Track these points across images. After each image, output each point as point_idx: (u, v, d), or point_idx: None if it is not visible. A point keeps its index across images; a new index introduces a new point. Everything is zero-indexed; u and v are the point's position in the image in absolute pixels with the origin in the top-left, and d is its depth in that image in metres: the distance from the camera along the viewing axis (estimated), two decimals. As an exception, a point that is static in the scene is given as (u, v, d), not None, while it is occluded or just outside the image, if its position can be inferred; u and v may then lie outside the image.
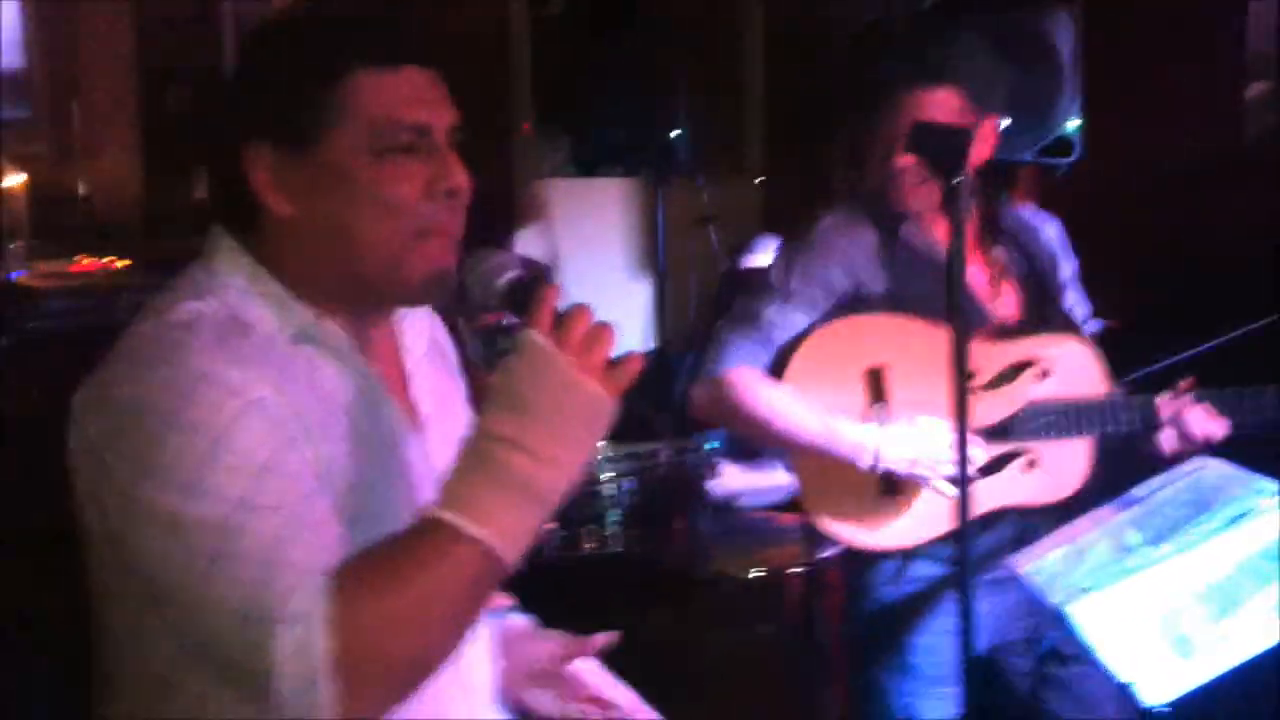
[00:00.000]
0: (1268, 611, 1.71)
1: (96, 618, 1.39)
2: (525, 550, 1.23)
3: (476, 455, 1.23)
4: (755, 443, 2.70)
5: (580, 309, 1.26)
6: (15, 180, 4.21)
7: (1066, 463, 2.44)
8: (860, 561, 2.55)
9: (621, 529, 3.16)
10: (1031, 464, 2.44)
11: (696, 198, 4.52)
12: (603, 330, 1.25)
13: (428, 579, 1.19)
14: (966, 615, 1.76)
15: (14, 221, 4.05)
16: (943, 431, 2.31)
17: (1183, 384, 2.42)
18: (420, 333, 1.52)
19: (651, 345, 4.47)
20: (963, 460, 1.77)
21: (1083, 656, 1.85)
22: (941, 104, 2.40)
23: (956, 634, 2.35)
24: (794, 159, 4.72)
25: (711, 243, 4.29)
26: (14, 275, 3.98)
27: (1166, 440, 2.40)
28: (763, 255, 4.19)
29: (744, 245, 4.27)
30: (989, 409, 2.40)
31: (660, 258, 4.33)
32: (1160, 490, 2.18)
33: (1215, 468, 2.15)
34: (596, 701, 1.66)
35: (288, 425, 1.26)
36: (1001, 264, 2.54)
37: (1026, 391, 2.43)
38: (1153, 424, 2.39)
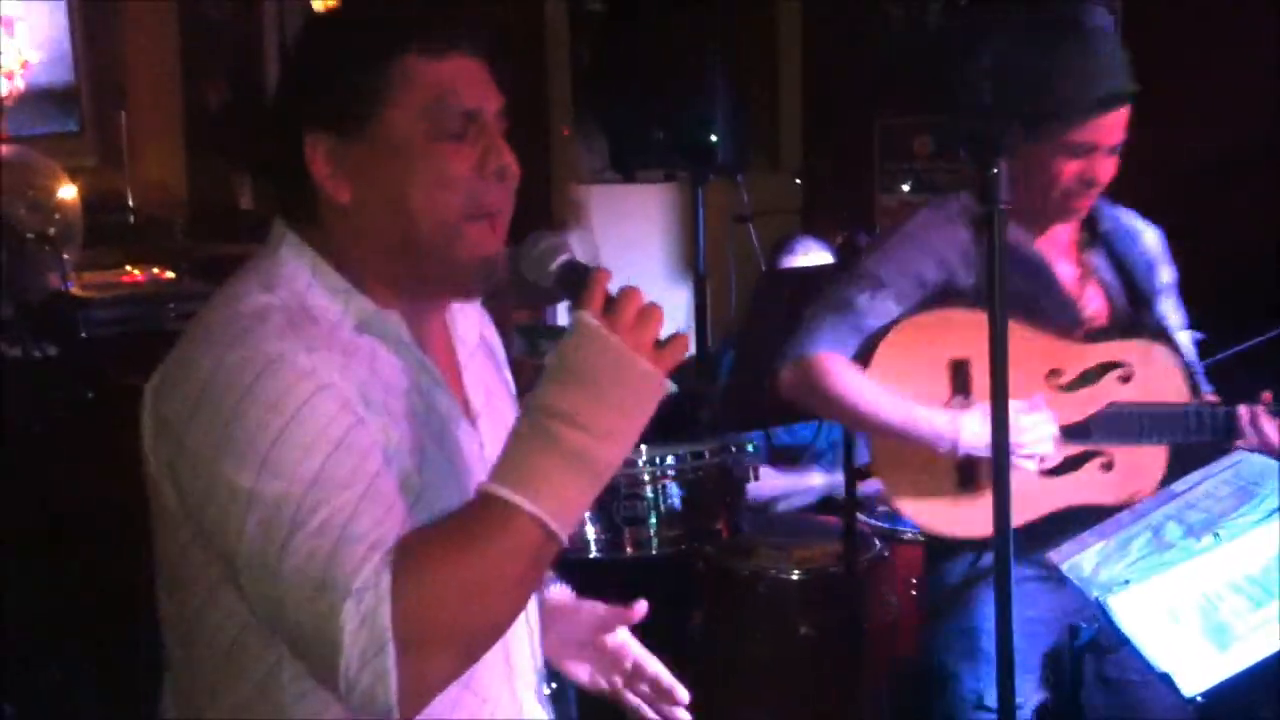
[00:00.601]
0: (1309, 599, 1.71)
1: (162, 604, 1.44)
2: (578, 520, 1.28)
3: (532, 430, 1.27)
4: (841, 424, 2.71)
5: (631, 290, 1.29)
6: (68, 193, 4.27)
7: (1143, 466, 2.46)
8: (936, 554, 2.59)
9: (664, 530, 3.18)
10: (1108, 466, 2.46)
11: (735, 198, 4.53)
12: (652, 310, 1.29)
13: (487, 552, 1.24)
14: (1004, 606, 1.76)
15: (67, 232, 4.12)
16: (1027, 417, 2.34)
17: (1265, 395, 2.42)
18: (472, 326, 1.57)
19: (692, 348, 4.49)
20: (1002, 450, 1.76)
21: (1121, 647, 1.84)
22: (1124, 115, 2.37)
23: (1030, 623, 2.39)
24: (831, 158, 4.72)
25: (751, 241, 4.29)
26: (68, 285, 4.04)
27: (1245, 449, 2.37)
28: (802, 256, 4.21)
29: (784, 245, 4.28)
30: (1070, 408, 2.43)
31: (700, 259, 4.34)
32: (1200, 484, 2.19)
33: (1255, 461, 2.15)
34: (634, 674, 1.71)
35: (355, 407, 1.31)
36: (1093, 265, 2.56)
37: (1108, 393, 2.45)
38: (1233, 433, 2.39)
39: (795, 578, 3.21)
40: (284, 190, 1.43)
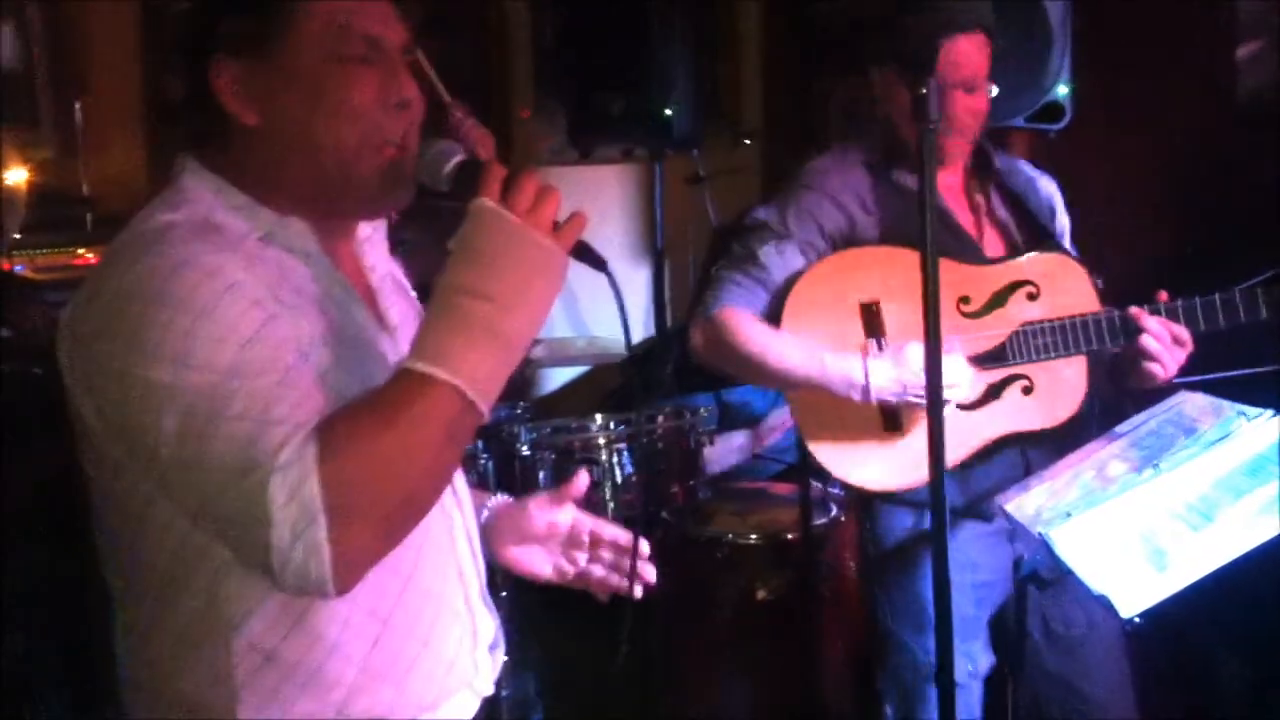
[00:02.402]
0: (1243, 520, 1.72)
1: (101, 535, 1.45)
2: (497, 394, 1.32)
3: (439, 308, 1.31)
4: (753, 382, 2.69)
5: (526, 174, 1.34)
6: (18, 176, 4.24)
7: (1063, 384, 2.44)
8: (873, 517, 2.55)
9: (619, 495, 3.18)
10: (1028, 389, 2.44)
11: (694, 172, 4.53)
12: (549, 191, 1.34)
13: (408, 424, 1.26)
14: (941, 558, 1.76)
15: (14, 217, 4.09)
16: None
17: (1160, 294, 2.40)
18: (381, 258, 1.59)
19: (652, 325, 4.49)
20: (935, 390, 1.75)
21: (1062, 578, 1.85)
22: (974, 51, 2.40)
23: (978, 588, 2.40)
24: (792, 128, 4.72)
25: (707, 206, 4.28)
26: (18, 269, 4.01)
27: (1146, 346, 2.35)
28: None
29: (744, 216, 4.27)
30: (983, 334, 2.42)
31: (658, 235, 4.34)
32: (1142, 425, 2.20)
33: (1196, 400, 2.16)
34: (594, 543, 1.72)
35: (266, 303, 1.33)
36: (987, 207, 2.56)
37: (1018, 313, 2.44)
38: (1134, 331, 2.36)
39: (753, 542, 3.21)
40: (190, 119, 1.44)
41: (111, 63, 5.75)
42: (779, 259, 2.47)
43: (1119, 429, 2.25)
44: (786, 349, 2.41)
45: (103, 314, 1.31)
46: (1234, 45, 3.69)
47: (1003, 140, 3.48)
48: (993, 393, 2.43)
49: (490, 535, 1.71)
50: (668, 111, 4.01)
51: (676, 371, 3.44)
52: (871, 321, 2.44)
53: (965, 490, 2.42)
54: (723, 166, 4.64)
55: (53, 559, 3.02)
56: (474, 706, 1.56)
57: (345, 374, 1.38)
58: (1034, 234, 2.55)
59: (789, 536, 3.19)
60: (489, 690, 1.60)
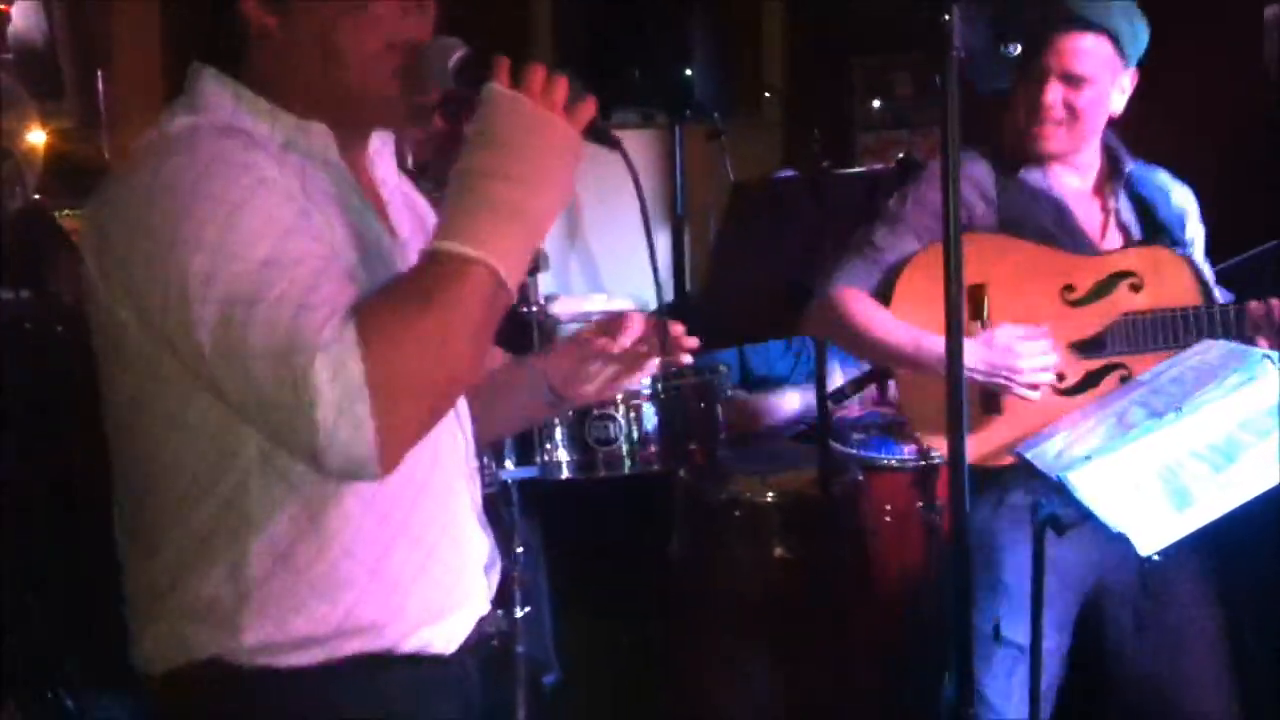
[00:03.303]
0: (1266, 460, 1.70)
1: (121, 442, 1.45)
2: (523, 273, 1.35)
3: (462, 191, 1.33)
4: (859, 357, 2.79)
5: (534, 64, 1.36)
6: (37, 138, 4.26)
7: None
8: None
9: (636, 451, 3.16)
10: (1126, 378, 2.45)
11: (715, 144, 4.50)
12: (558, 78, 1.36)
13: (443, 303, 1.28)
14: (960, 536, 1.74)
15: (31, 176, 4.11)
16: (1022, 340, 2.38)
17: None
18: (390, 170, 1.60)
19: (670, 294, 4.47)
20: (958, 390, 1.74)
21: (1083, 522, 1.83)
22: (1085, 50, 2.45)
23: (1055, 562, 2.39)
24: (814, 86, 4.69)
25: (726, 165, 4.25)
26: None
27: (1265, 344, 2.36)
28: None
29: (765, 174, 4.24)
30: (1084, 322, 2.46)
31: (679, 200, 4.32)
32: (1165, 372, 2.18)
33: (1219, 346, 2.14)
34: (616, 327, 1.69)
35: (299, 200, 1.35)
36: (1115, 209, 2.58)
37: (1121, 303, 2.47)
38: (1244, 330, 2.39)
39: (770, 501, 3.20)
40: (208, 26, 1.45)
41: (132, 32, 5.76)
42: (893, 240, 2.54)
43: (1141, 377, 2.23)
44: (890, 327, 2.48)
45: (137, 212, 1.31)
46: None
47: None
48: (1090, 380, 2.47)
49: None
50: (687, 73, 4.00)
51: (697, 331, 3.41)
52: (977, 304, 2.47)
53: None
54: (746, 141, 4.62)
55: (71, 519, 3.04)
56: (470, 624, 1.57)
57: (367, 276, 1.38)
58: (1159, 239, 2.55)
59: (808, 495, 3.18)
60: (485, 609, 1.60)
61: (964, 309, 1.78)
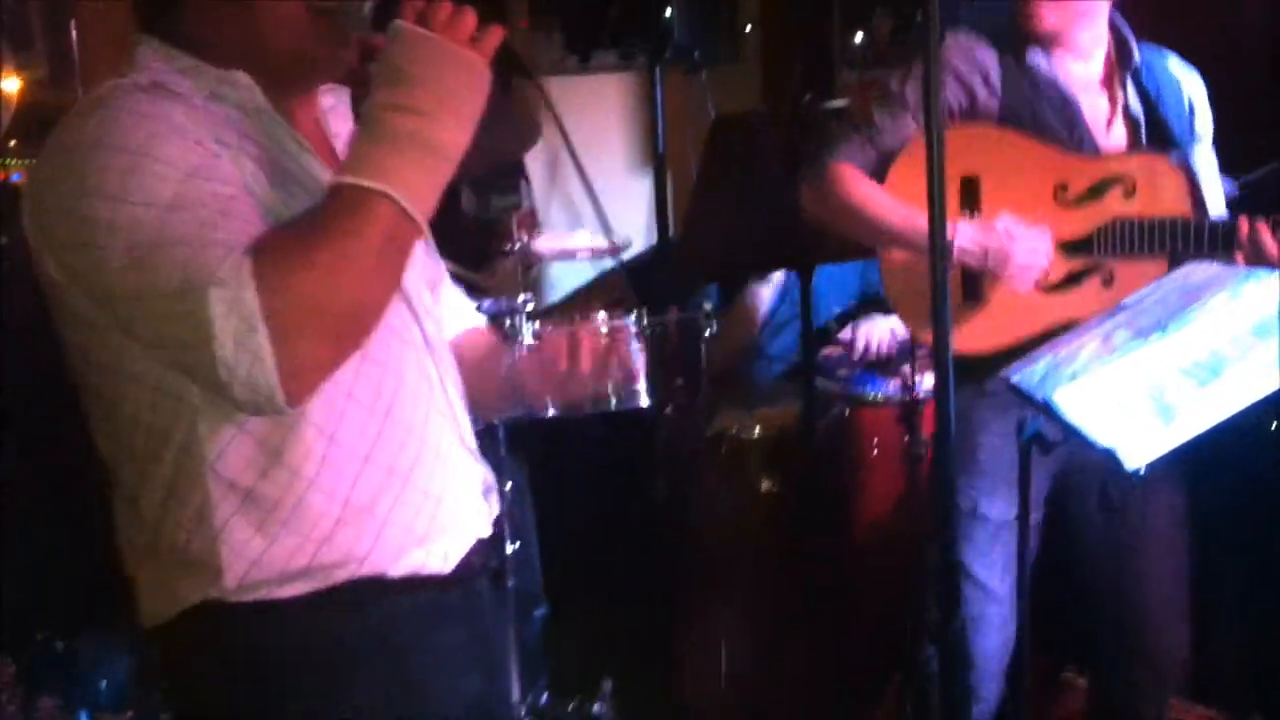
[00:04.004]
0: (1252, 373, 1.71)
1: (89, 402, 1.47)
2: (432, 204, 1.35)
3: (367, 126, 1.35)
4: (853, 235, 2.75)
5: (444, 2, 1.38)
6: (10, 85, 4.20)
7: (1143, 279, 2.40)
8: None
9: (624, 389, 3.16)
10: (1108, 280, 2.48)
11: (694, 83, 4.47)
12: (464, 11, 1.37)
13: (342, 234, 1.29)
14: (945, 437, 1.72)
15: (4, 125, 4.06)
16: (1020, 230, 2.41)
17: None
18: (346, 125, 1.61)
19: (654, 238, 4.45)
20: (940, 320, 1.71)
21: (1067, 439, 1.84)
22: None
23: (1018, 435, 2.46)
24: (792, 18, 4.65)
25: (707, 101, 4.23)
26: (15, 178, 3.98)
27: (1242, 260, 2.37)
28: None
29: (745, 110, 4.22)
30: (1074, 222, 2.48)
31: (659, 141, 4.29)
32: (1150, 295, 2.18)
33: (1204, 268, 2.14)
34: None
35: (209, 145, 1.36)
36: (1124, 100, 2.56)
37: (1112, 208, 2.47)
38: (1231, 246, 2.38)
39: (756, 436, 3.22)
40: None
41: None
42: (891, 122, 2.53)
43: (1125, 301, 2.23)
44: (887, 206, 2.49)
45: (52, 166, 1.34)
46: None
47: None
48: (1072, 279, 2.49)
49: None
50: (667, 13, 3.97)
51: (680, 274, 3.41)
52: (970, 195, 2.48)
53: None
54: (725, 63, 4.58)
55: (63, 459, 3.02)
56: (467, 544, 1.58)
57: (294, 213, 1.39)
58: (1164, 135, 2.54)
59: (793, 430, 3.20)
60: (485, 532, 1.62)
61: (944, 202, 1.71)
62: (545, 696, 3.16)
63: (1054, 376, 2.00)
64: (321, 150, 1.53)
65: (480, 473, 1.64)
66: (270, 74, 1.47)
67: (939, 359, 1.72)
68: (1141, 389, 1.81)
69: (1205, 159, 2.60)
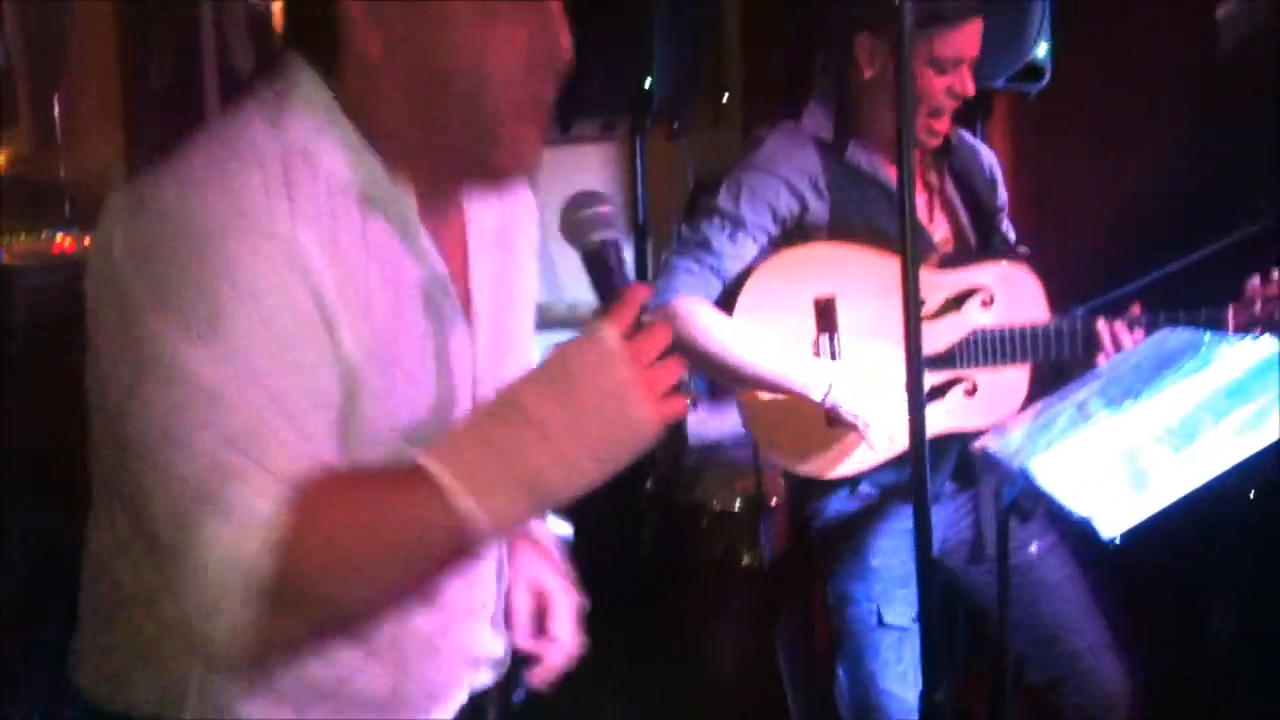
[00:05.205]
0: (1225, 438, 1.69)
1: (95, 445, 1.29)
2: (511, 524, 1.17)
3: (499, 423, 1.15)
4: (707, 374, 2.64)
5: (663, 326, 1.19)
6: (-9, 159, 4.22)
7: (1006, 387, 2.47)
8: (811, 493, 2.58)
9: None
10: (971, 391, 2.47)
11: (676, 149, 4.49)
12: (675, 359, 1.18)
13: (396, 533, 1.13)
14: (924, 535, 1.74)
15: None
16: (892, 386, 2.32)
17: (1133, 309, 2.42)
18: (491, 211, 1.43)
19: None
20: (917, 385, 1.73)
21: (1043, 506, 1.82)
22: (972, 34, 2.40)
23: (910, 535, 2.41)
24: (775, 83, 4.67)
25: (687, 166, 4.23)
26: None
27: (1103, 360, 2.39)
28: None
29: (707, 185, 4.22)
30: (933, 337, 2.43)
31: (640, 209, 4.30)
32: (1123, 362, 2.18)
33: (1178, 335, 2.14)
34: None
35: (326, 296, 1.17)
36: (939, 186, 2.56)
37: (971, 320, 2.45)
38: (1094, 347, 2.40)
39: (737, 510, 3.19)
40: (304, 43, 1.26)
41: (89, 55, 5.71)
42: (731, 246, 2.44)
43: (1099, 369, 2.23)
44: (747, 344, 2.38)
45: (144, 233, 1.15)
46: (1213, 5, 3.66)
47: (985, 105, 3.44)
48: (936, 393, 2.45)
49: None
50: (647, 83, 3.98)
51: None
52: (826, 318, 2.43)
53: (901, 474, 2.43)
54: (709, 154, 4.59)
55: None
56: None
57: (396, 371, 1.24)
58: (981, 216, 2.56)
59: (773, 503, 3.17)
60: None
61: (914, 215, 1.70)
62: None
63: (1029, 445, 1.99)
64: (453, 251, 1.34)
65: (499, 647, 1.54)
66: (439, 175, 1.28)
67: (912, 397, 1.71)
68: (1116, 457, 1.79)
69: (1007, 229, 2.63)
